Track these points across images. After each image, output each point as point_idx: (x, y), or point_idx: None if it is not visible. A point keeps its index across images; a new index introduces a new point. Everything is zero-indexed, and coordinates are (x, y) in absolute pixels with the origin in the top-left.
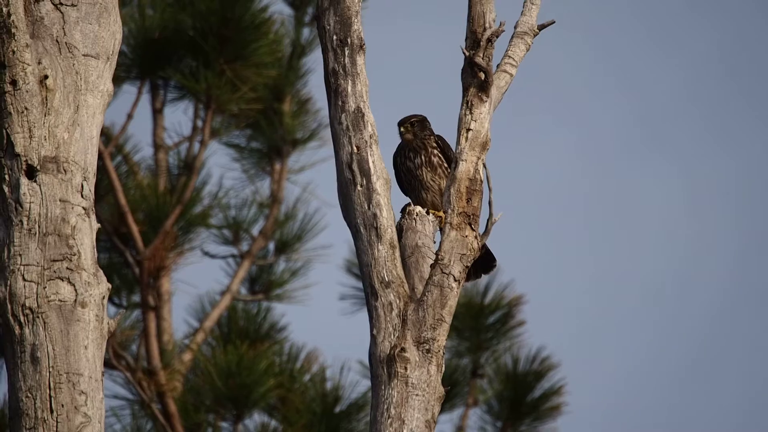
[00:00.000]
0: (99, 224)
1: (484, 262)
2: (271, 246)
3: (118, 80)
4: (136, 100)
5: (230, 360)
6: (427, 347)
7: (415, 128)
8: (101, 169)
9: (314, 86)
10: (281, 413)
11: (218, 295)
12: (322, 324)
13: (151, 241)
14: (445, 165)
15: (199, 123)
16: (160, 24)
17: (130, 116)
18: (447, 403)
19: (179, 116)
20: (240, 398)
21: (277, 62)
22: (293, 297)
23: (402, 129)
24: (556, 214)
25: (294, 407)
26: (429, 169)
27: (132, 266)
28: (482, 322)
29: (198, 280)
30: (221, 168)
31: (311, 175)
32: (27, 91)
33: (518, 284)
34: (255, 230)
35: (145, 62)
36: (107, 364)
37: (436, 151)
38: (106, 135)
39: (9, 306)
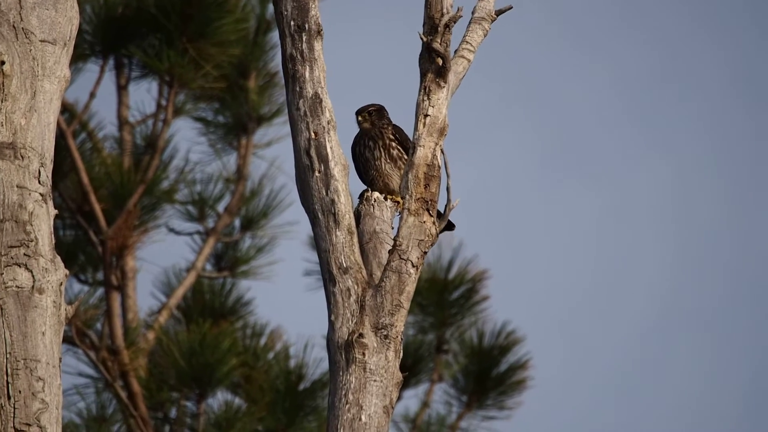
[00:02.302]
0: (56, 211)
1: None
2: (237, 223)
3: (81, 58)
4: (99, 78)
5: (193, 339)
6: (385, 333)
7: (372, 117)
8: (65, 148)
9: (280, 62)
10: (245, 391)
11: (184, 272)
12: (287, 301)
13: (114, 219)
14: (405, 157)
15: (163, 102)
16: (123, 1)
17: (92, 94)
18: (412, 378)
19: (143, 94)
20: (203, 377)
21: (241, 40)
22: (259, 273)
23: (360, 118)
24: (517, 190)
25: (258, 385)
26: (388, 160)
27: (95, 245)
28: (446, 298)
29: (163, 257)
30: (188, 142)
31: (277, 151)
32: None
33: (482, 259)
34: (221, 207)
35: (107, 39)
36: (71, 342)
37: (394, 144)
38: (69, 112)
39: None
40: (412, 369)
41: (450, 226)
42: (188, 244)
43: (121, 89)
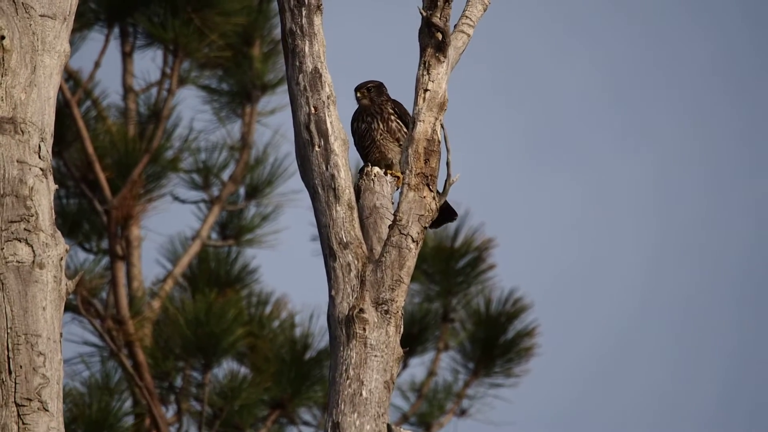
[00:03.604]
0: (56, 186)
1: (445, 215)
2: (242, 191)
3: (86, 26)
4: (104, 47)
5: (199, 308)
6: (385, 308)
7: (371, 94)
8: (69, 116)
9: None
10: (250, 361)
11: (189, 241)
12: (293, 270)
13: (119, 188)
14: (404, 130)
15: (168, 70)
16: None
17: (97, 63)
18: (419, 346)
19: (147, 63)
20: (209, 347)
21: (245, 8)
22: (264, 242)
23: (359, 94)
24: (523, 157)
25: (263, 355)
26: (387, 133)
27: (100, 214)
28: (452, 266)
29: (168, 225)
30: (192, 110)
31: (282, 119)
32: None
33: (488, 228)
34: (225, 175)
35: (112, 8)
36: (76, 311)
37: (393, 117)
38: (74, 80)
39: None
40: (418, 337)
41: (451, 217)
42: (193, 213)
43: (126, 57)
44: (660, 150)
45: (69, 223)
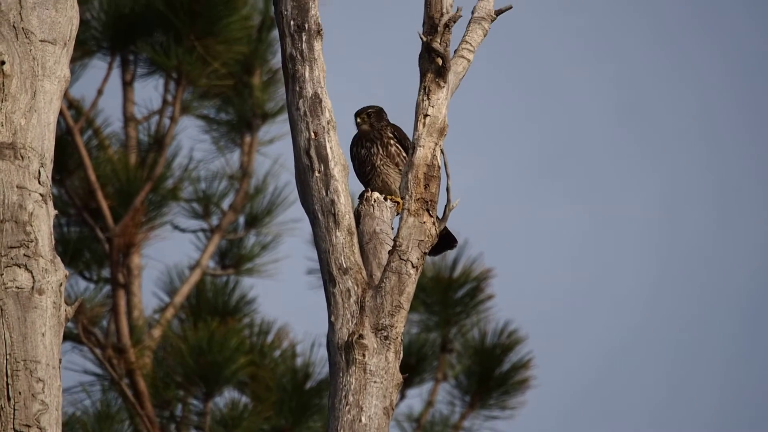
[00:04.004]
0: (56, 211)
1: (444, 242)
2: (241, 220)
3: (88, 54)
4: (106, 75)
5: (201, 337)
6: (385, 334)
7: (371, 119)
8: (71, 144)
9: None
10: (251, 390)
11: (188, 270)
12: (293, 298)
13: (121, 216)
14: (403, 155)
15: (170, 98)
16: None
17: (100, 91)
18: (416, 377)
19: (150, 92)
20: (210, 376)
21: (247, 38)
22: (263, 271)
23: (358, 120)
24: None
25: (264, 384)
26: (386, 158)
27: (102, 242)
28: (451, 296)
29: (168, 254)
30: (192, 140)
31: (281, 148)
32: None
33: (487, 258)
34: (225, 204)
35: (115, 36)
36: (77, 340)
37: (393, 141)
38: (76, 109)
39: None
40: (416, 368)
41: (450, 244)
42: (193, 242)
43: (127, 86)
44: (666, 174)
45: (70, 252)
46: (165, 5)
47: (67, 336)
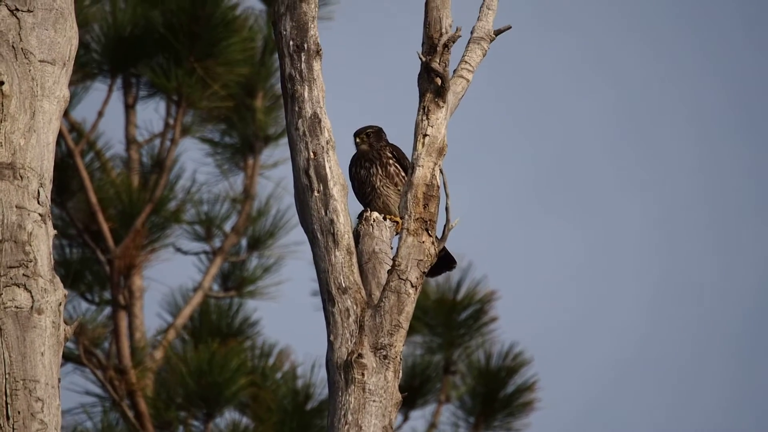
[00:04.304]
0: (56, 231)
1: (444, 262)
2: (244, 242)
3: (89, 76)
4: (107, 97)
5: (201, 358)
6: (384, 353)
7: (371, 139)
8: (72, 167)
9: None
10: (252, 411)
11: (190, 292)
12: (294, 321)
13: (122, 238)
14: (402, 174)
15: (171, 120)
16: (132, 20)
17: (101, 114)
18: (420, 399)
19: (151, 114)
20: (211, 397)
21: (248, 59)
22: (265, 293)
23: (358, 140)
24: (529, 209)
25: (265, 405)
26: (385, 178)
27: (103, 264)
28: (454, 319)
29: (170, 276)
30: (194, 162)
31: (284, 171)
32: None
33: (491, 280)
34: (227, 226)
35: (116, 59)
36: (78, 361)
37: (392, 161)
38: (77, 131)
39: None
40: (419, 389)
41: (450, 265)
42: (195, 264)
43: (129, 108)
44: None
45: (72, 274)
46: (165, 27)
47: (69, 357)
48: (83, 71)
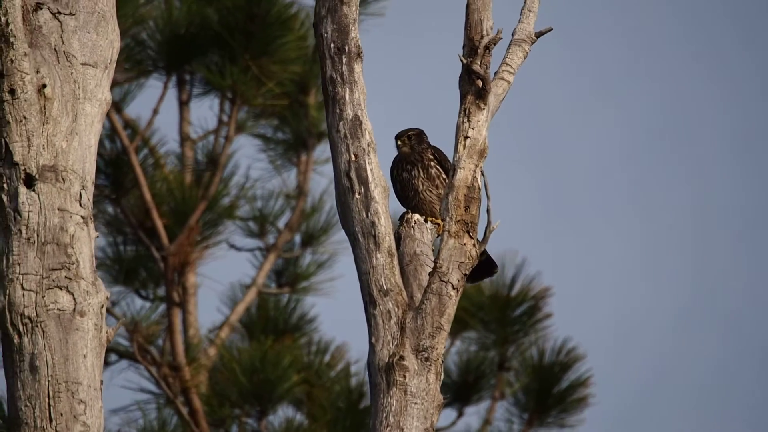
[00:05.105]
0: (98, 234)
1: (485, 268)
2: (297, 239)
3: (144, 73)
4: (162, 95)
5: (254, 355)
6: (425, 355)
7: (412, 141)
8: (127, 164)
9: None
10: (306, 408)
11: (244, 288)
12: (348, 317)
13: (176, 235)
14: (443, 176)
15: (225, 117)
16: (187, 18)
17: (155, 111)
18: (474, 395)
19: (205, 111)
20: (264, 394)
21: (302, 57)
22: (319, 290)
23: (399, 142)
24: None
25: (319, 403)
26: (427, 180)
27: (157, 261)
28: (508, 315)
29: (224, 273)
30: (248, 159)
31: None
32: (25, 100)
33: (545, 276)
34: (281, 223)
35: (171, 56)
36: (132, 358)
37: (433, 163)
38: (132, 128)
39: (8, 315)
40: (473, 385)
41: (491, 270)
42: (249, 261)
43: (183, 105)
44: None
45: (125, 270)
46: (220, 25)
47: (123, 354)
48: (138, 68)
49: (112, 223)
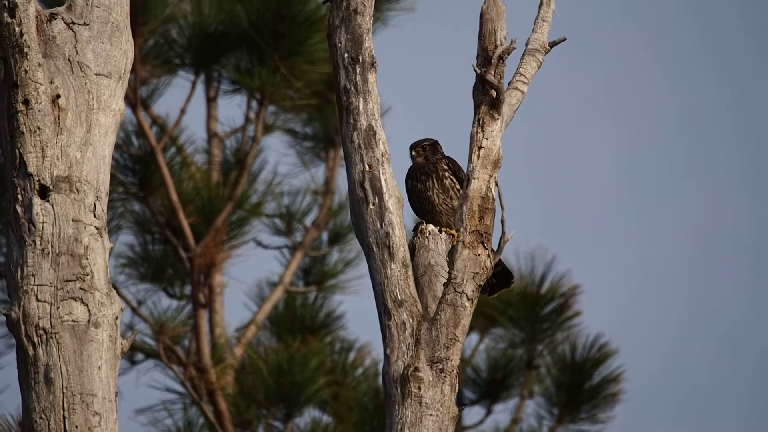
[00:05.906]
0: (112, 245)
1: (502, 279)
2: (325, 236)
3: (171, 71)
4: (190, 93)
5: (281, 357)
6: (440, 366)
7: (426, 152)
8: (154, 162)
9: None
10: (332, 409)
11: (271, 286)
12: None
13: (203, 235)
14: (457, 187)
15: (252, 116)
16: (216, 17)
17: (183, 111)
18: (503, 392)
19: (233, 110)
20: (291, 396)
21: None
22: (346, 288)
23: (413, 153)
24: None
25: (346, 403)
26: (441, 191)
27: (183, 261)
28: (538, 312)
29: (250, 270)
30: (276, 154)
31: None
32: (39, 111)
33: (574, 274)
34: (308, 221)
35: (200, 55)
36: (158, 358)
37: (447, 174)
38: (160, 126)
39: (23, 326)
40: (502, 383)
41: (508, 281)
42: (276, 258)
43: (210, 102)
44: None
45: (153, 269)
46: (249, 25)
47: (149, 354)
48: (166, 67)
49: (139, 222)
